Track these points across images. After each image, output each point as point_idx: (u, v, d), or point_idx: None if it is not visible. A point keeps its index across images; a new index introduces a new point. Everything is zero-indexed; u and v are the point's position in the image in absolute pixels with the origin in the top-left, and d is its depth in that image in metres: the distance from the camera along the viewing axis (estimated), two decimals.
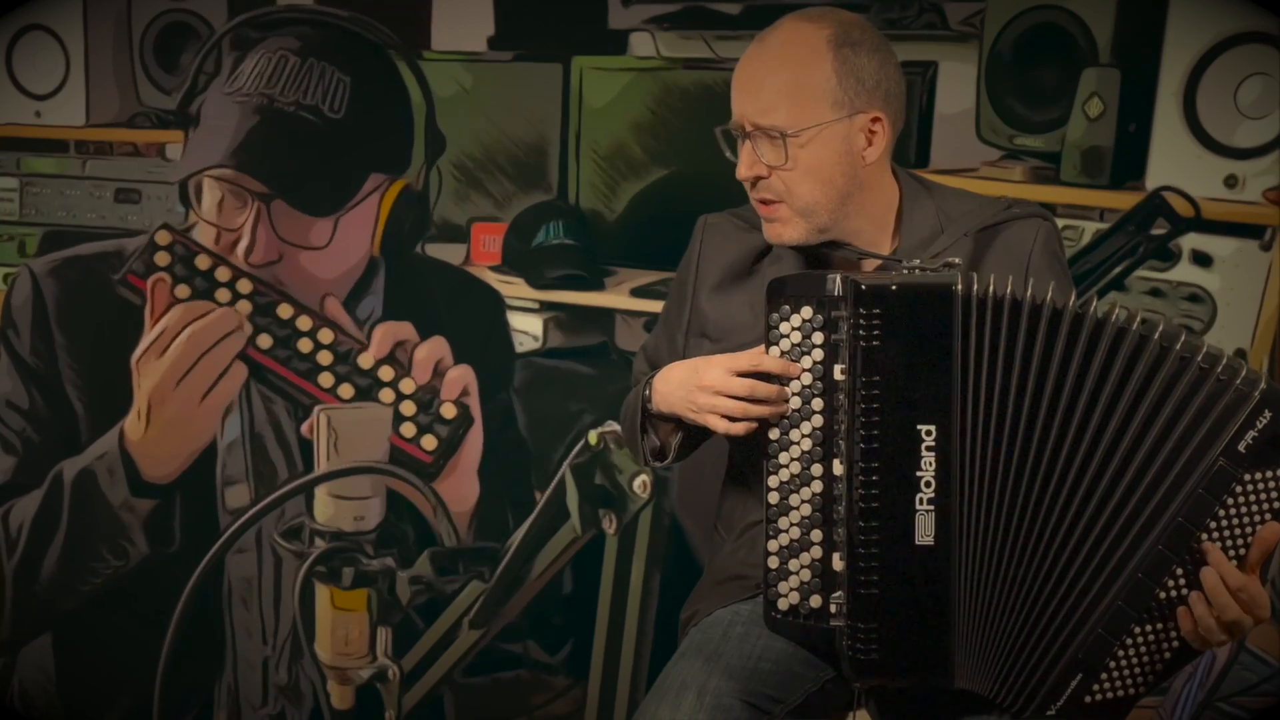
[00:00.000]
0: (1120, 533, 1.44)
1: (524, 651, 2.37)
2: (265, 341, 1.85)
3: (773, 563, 1.54)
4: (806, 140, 1.61)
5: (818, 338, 1.50)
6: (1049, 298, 1.44)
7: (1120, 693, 1.47)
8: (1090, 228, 2.36)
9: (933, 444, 1.44)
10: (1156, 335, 1.42)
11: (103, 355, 1.91)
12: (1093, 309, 1.43)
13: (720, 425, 1.56)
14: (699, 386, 1.57)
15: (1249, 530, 1.41)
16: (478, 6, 3.09)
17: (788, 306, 1.51)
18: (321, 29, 1.92)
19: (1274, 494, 1.40)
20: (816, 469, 1.51)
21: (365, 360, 1.88)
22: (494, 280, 2.52)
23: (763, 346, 1.54)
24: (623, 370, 1.89)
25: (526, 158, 2.88)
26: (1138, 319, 1.43)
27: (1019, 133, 2.46)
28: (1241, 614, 1.39)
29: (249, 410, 1.96)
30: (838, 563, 1.49)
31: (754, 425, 1.54)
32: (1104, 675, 1.46)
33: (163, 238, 1.84)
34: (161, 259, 1.83)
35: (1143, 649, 1.45)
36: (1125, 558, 1.43)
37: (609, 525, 1.96)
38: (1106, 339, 1.42)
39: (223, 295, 1.88)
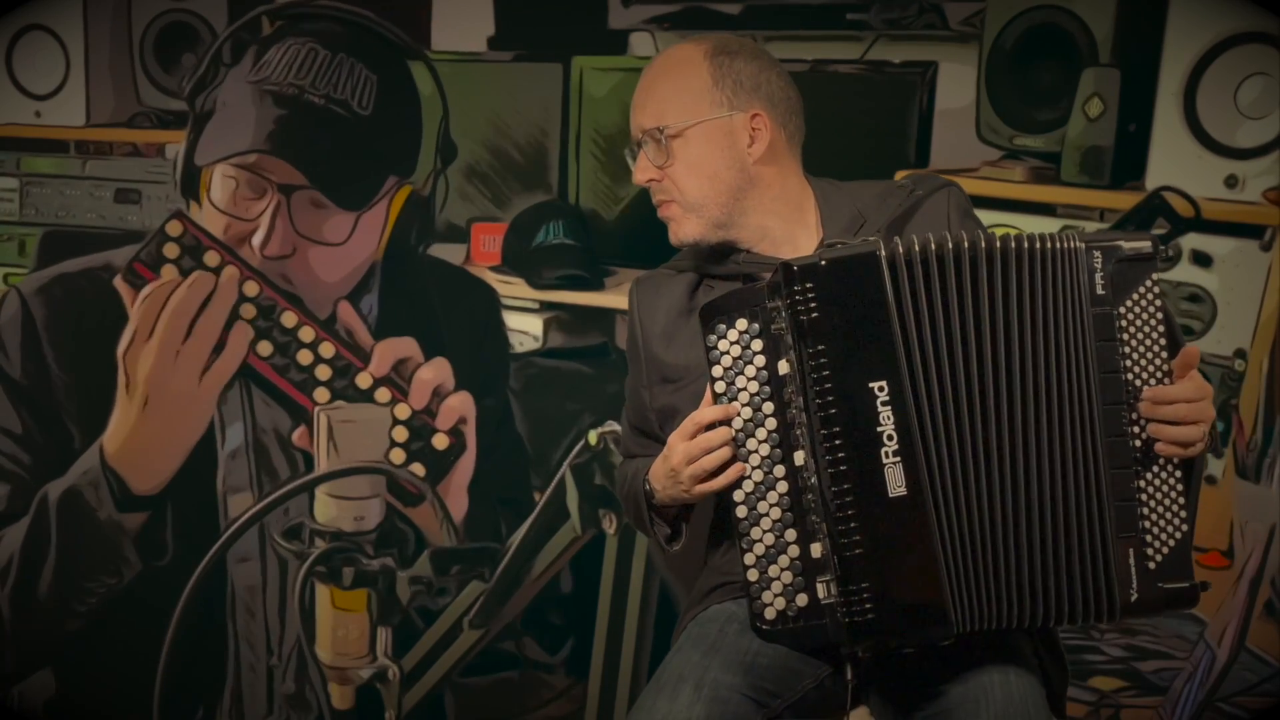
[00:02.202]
0: (1072, 417, 1.53)
1: (524, 651, 2.37)
2: (265, 348, 1.84)
3: (752, 575, 1.56)
4: (687, 137, 1.72)
5: (756, 344, 1.55)
6: (951, 242, 1.53)
7: (1172, 542, 1.54)
8: (1090, 228, 2.36)
9: (887, 398, 1.50)
10: (1027, 245, 1.54)
11: (95, 371, 1.89)
12: (983, 242, 1.54)
13: (713, 487, 1.59)
14: (672, 470, 1.61)
15: (1157, 341, 1.54)
16: (478, 6, 3.08)
17: (723, 325, 1.57)
18: (347, 26, 1.91)
19: (1151, 306, 1.55)
20: (779, 470, 1.55)
21: (363, 380, 1.87)
22: (494, 280, 2.52)
23: (706, 402, 1.58)
24: (623, 371, 1.89)
25: (526, 158, 2.88)
26: (1015, 237, 1.55)
27: (1019, 133, 2.46)
28: (1191, 409, 1.52)
29: (252, 417, 1.95)
30: (817, 550, 1.52)
31: (739, 467, 1.57)
32: (1149, 536, 1.54)
33: (174, 228, 1.82)
34: (171, 250, 1.81)
35: (1158, 493, 1.54)
36: (1090, 432, 1.53)
37: (609, 525, 1.97)
38: (998, 264, 1.53)
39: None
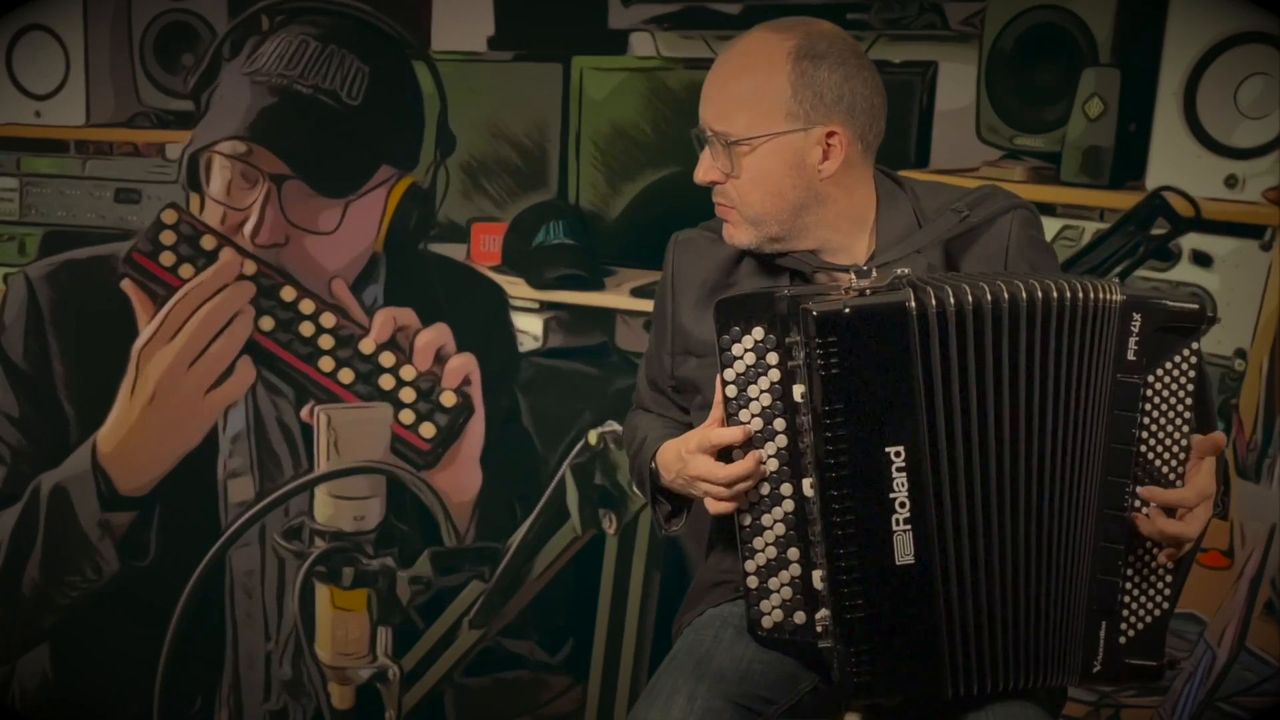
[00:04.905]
0: (1077, 487, 1.48)
1: (524, 651, 2.37)
2: (267, 324, 1.86)
3: (752, 582, 1.54)
4: (754, 149, 1.60)
5: (772, 358, 1.49)
6: (990, 296, 1.45)
7: (1149, 619, 1.50)
8: (1090, 228, 2.36)
9: (903, 465, 1.43)
10: (1069, 298, 1.45)
11: (97, 359, 1.91)
12: (1023, 293, 1.45)
13: (718, 509, 1.56)
14: (690, 478, 1.57)
15: (1181, 415, 1.46)
16: (478, 6, 3.09)
17: (738, 328, 1.50)
18: (342, 19, 1.93)
19: (1183, 377, 1.45)
20: (786, 488, 1.51)
21: (367, 346, 1.88)
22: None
23: (721, 418, 1.53)
24: (623, 370, 1.89)
25: (526, 158, 2.88)
26: (1055, 288, 1.46)
27: (1019, 133, 2.46)
28: (1187, 526, 1.45)
29: (253, 403, 1.96)
30: (818, 581, 1.49)
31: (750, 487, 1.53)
32: (1125, 611, 1.50)
33: (169, 216, 1.86)
34: (167, 237, 1.84)
35: (1145, 568, 1.49)
36: (1088, 505, 1.48)
37: (609, 525, 1.97)
38: (1035, 323, 1.45)
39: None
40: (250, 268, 1.84)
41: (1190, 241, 2.27)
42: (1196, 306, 1.46)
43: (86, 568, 1.87)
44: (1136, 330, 1.45)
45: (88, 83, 3.06)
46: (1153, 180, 2.30)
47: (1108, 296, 1.46)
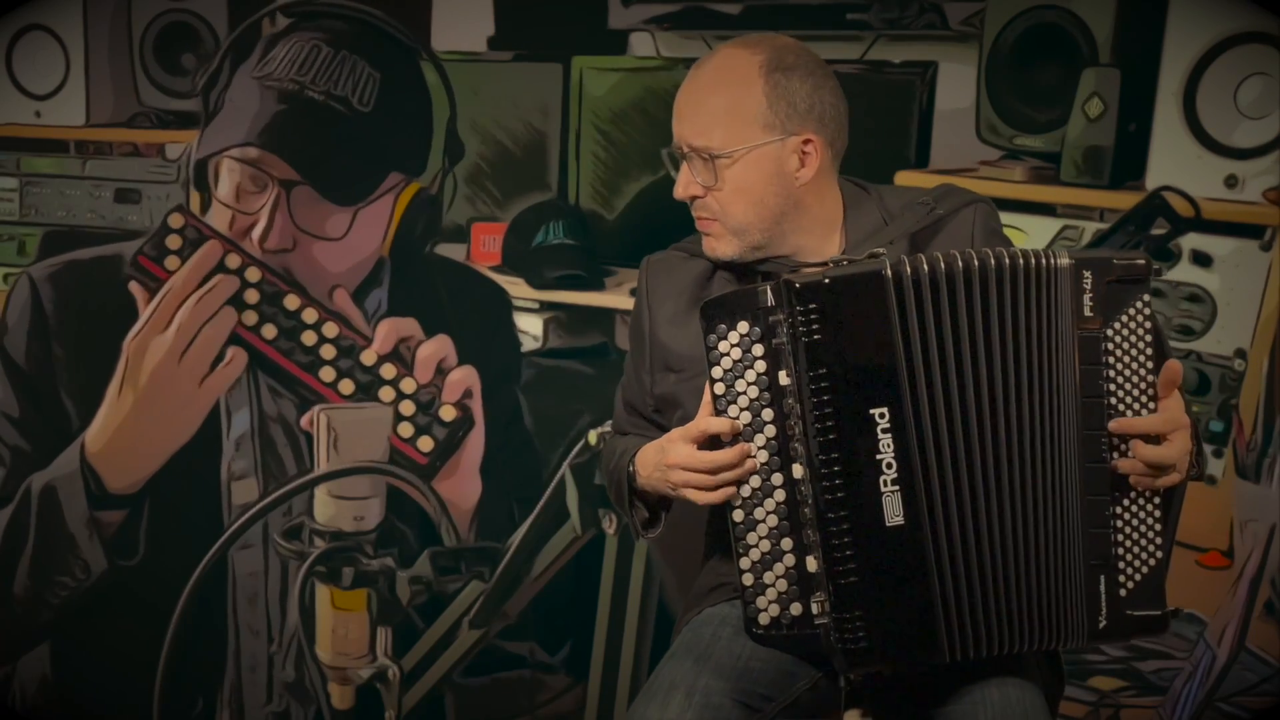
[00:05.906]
0: (1056, 441, 1.51)
1: (524, 652, 2.37)
2: (270, 332, 1.86)
3: (747, 579, 1.55)
4: (736, 161, 1.66)
5: (758, 349, 1.52)
6: (961, 261, 1.50)
7: (1145, 569, 1.52)
8: (1090, 228, 2.36)
9: (888, 426, 1.48)
10: (1022, 262, 1.50)
11: (100, 360, 1.91)
12: (991, 260, 1.50)
13: (700, 498, 1.57)
14: (669, 466, 1.59)
15: (1144, 364, 1.50)
16: (478, 6, 3.09)
17: (724, 325, 1.54)
18: (354, 24, 1.93)
19: (1140, 328, 1.50)
20: (777, 478, 1.53)
21: (368, 357, 1.88)
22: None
23: (709, 410, 1.55)
24: (622, 371, 1.89)
25: (526, 158, 2.88)
26: (1009, 254, 1.51)
27: (1019, 133, 2.46)
28: (1164, 450, 1.49)
29: (258, 405, 1.96)
30: (812, 564, 1.51)
31: (730, 490, 1.54)
32: (1121, 564, 1.52)
33: (175, 220, 1.86)
34: (173, 242, 1.85)
35: (1135, 519, 1.52)
36: (1069, 459, 1.51)
37: (609, 525, 1.97)
38: (1005, 284, 1.50)
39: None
40: (255, 274, 1.84)
41: (1190, 241, 2.27)
42: (1142, 261, 1.51)
43: (75, 567, 1.88)
44: (1089, 287, 1.50)
45: (88, 83, 3.05)
46: (1153, 180, 2.31)
47: (1056, 260, 1.51)
